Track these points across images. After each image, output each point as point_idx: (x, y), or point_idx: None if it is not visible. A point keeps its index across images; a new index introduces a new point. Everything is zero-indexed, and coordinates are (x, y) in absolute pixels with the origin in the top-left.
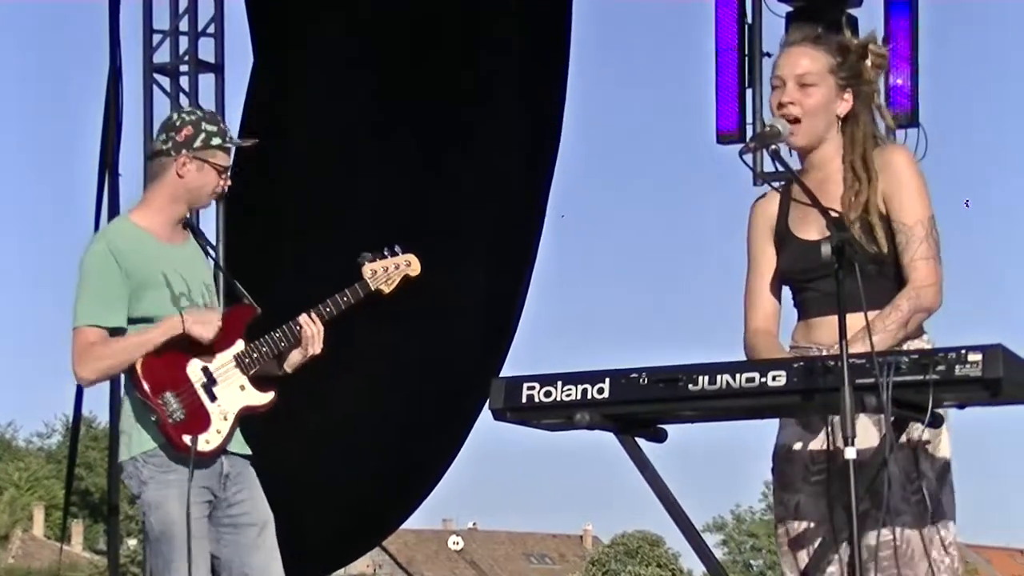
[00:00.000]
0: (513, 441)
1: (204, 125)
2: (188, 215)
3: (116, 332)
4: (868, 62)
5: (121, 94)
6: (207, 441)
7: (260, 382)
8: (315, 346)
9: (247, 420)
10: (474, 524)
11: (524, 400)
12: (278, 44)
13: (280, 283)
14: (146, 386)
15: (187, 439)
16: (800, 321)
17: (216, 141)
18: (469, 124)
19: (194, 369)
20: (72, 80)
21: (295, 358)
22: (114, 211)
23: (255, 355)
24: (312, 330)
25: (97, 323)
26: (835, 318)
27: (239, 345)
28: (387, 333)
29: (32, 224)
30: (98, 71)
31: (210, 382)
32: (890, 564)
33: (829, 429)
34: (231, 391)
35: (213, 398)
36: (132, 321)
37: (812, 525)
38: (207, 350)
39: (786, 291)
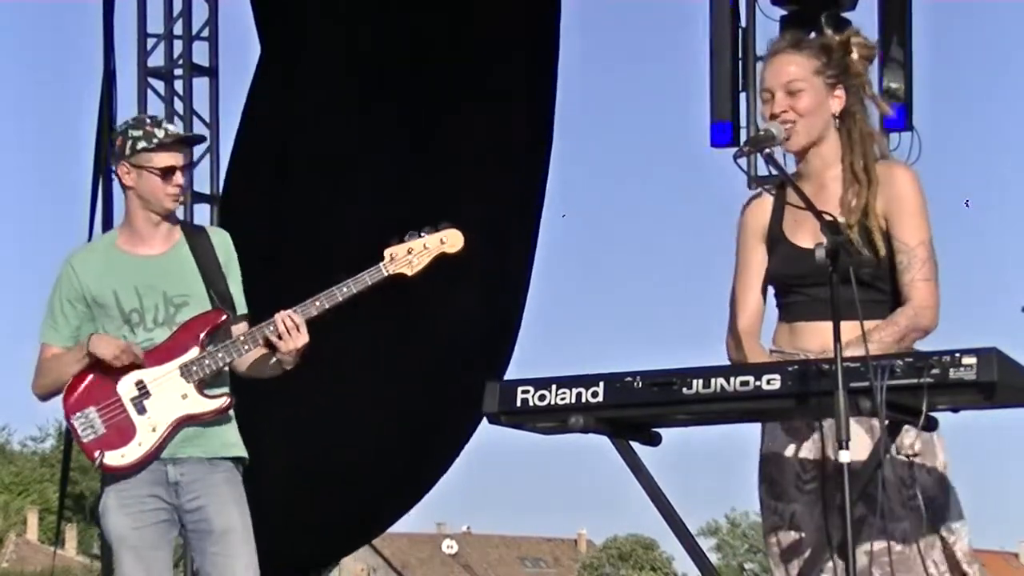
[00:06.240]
0: (508, 444)
1: (130, 132)
2: (160, 219)
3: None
4: (854, 55)
5: (115, 98)
6: (122, 455)
7: (212, 388)
8: (289, 343)
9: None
10: (468, 528)
11: (518, 404)
12: (285, 44)
13: (281, 282)
14: (65, 405)
15: (96, 455)
16: (784, 323)
17: (141, 145)
18: (468, 126)
19: (126, 383)
20: (71, 82)
21: (284, 356)
22: (108, 215)
23: (206, 362)
24: (287, 324)
25: (45, 340)
26: (822, 324)
27: (191, 353)
28: (389, 331)
29: (29, 227)
30: (95, 74)
31: (142, 395)
32: (889, 571)
33: (819, 435)
34: (166, 402)
35: (142, 411)
36: None
37: (808, 534)
38: (153, 361)
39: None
